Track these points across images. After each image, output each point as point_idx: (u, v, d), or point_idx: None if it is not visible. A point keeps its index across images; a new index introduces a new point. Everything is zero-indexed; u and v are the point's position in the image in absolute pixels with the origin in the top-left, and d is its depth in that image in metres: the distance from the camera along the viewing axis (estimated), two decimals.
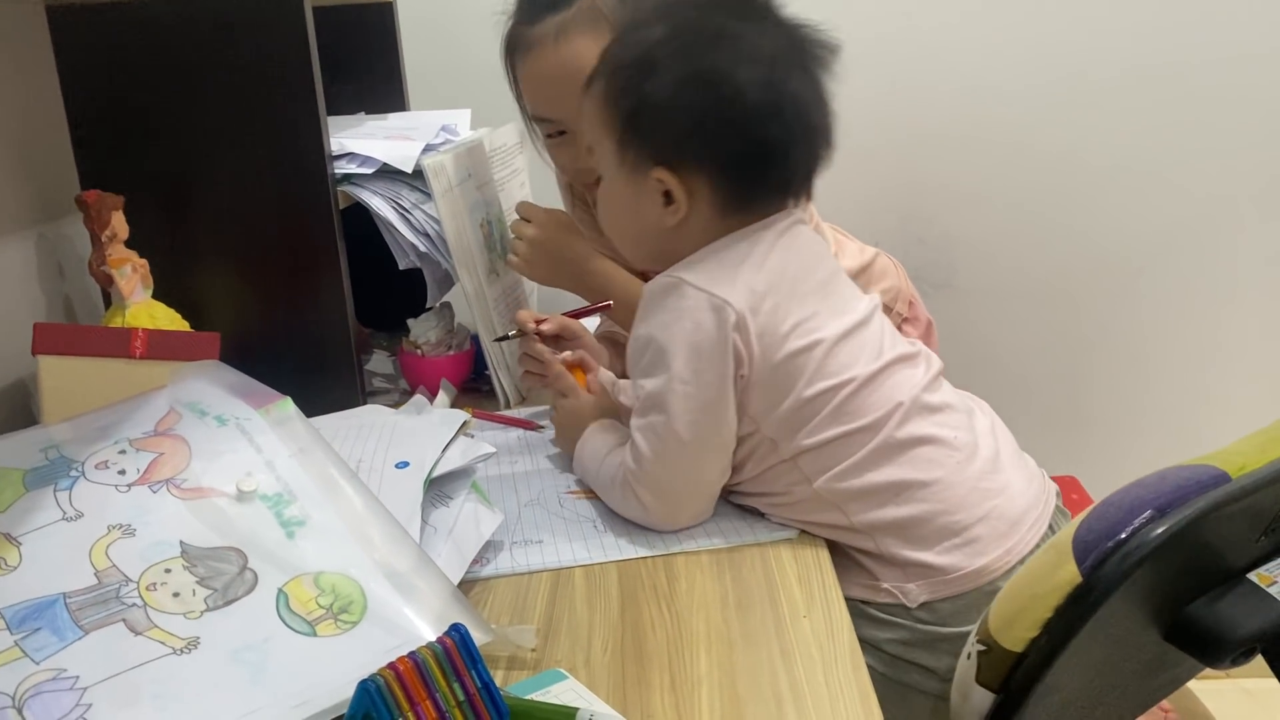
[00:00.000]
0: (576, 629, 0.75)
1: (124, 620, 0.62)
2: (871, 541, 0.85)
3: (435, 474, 0.84)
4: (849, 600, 0.85)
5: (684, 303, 0.85)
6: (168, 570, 0.66)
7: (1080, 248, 1.80)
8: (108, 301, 1.05)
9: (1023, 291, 1.82)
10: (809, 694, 0.66)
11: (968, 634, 0.77)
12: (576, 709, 0.60)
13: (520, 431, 1.12)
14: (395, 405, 1.06)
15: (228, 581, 0.66)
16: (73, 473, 0.71)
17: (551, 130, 1.15)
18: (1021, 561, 0.84)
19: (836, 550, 0.87)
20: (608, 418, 1.00)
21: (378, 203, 1.15)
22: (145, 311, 1.01)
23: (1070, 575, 0.69)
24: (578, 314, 1.13)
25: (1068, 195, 1.77)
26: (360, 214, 1.15)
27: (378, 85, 1.50)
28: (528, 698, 0.64)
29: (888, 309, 1.19)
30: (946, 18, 1.70)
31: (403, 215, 1.18)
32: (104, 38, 1.04)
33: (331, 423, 0.96)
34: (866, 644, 0.85)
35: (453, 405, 1.20)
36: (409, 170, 1.17)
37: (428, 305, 1.27)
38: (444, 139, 1.28)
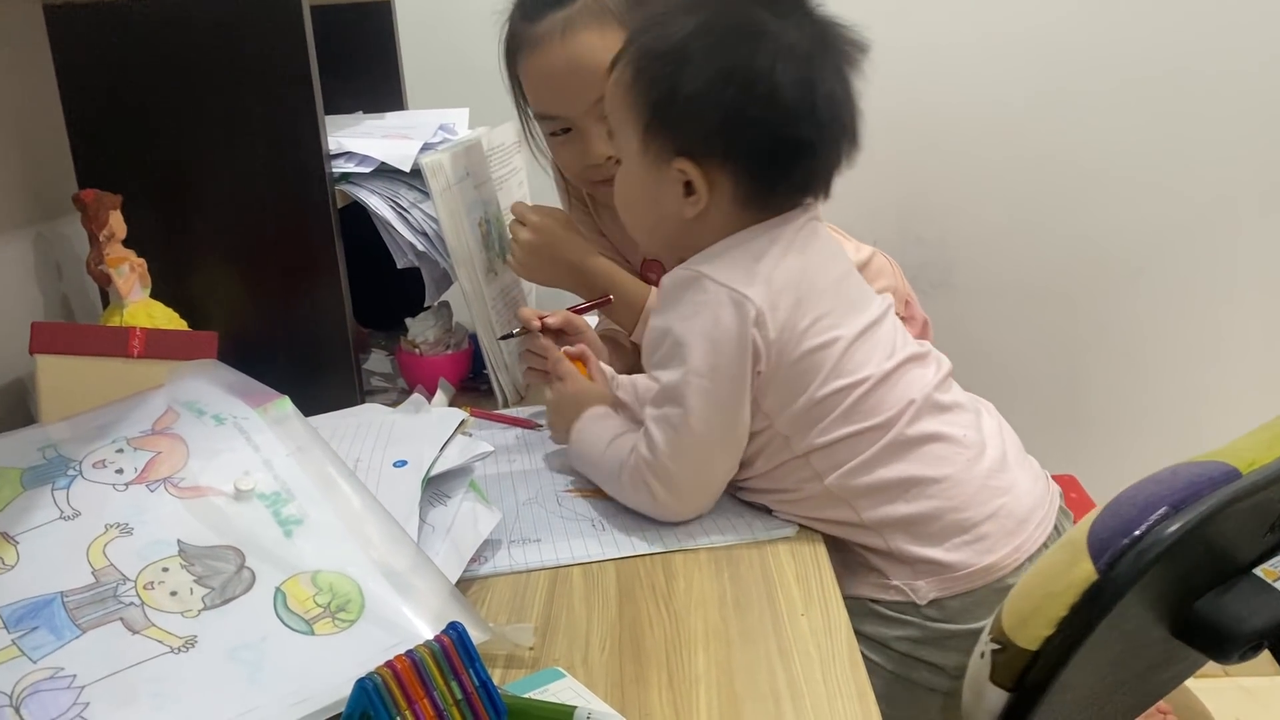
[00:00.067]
0: (574, 627, 0.75)
1: (121, 619, 0.62)
2: (881, 539, 0.85)
3: (433, 473, 0.84)
4: (858, 599, 0.85)
5: (704, 296, 0.84)
6: (165, 569, 0.66)
7: (1078, 247, 1.80)
8: (105, 301, 1.05)
9: (1020, 291, 1.82)
10: (807, 692, 0.66)
11: (976, 631, 0.77)
12: (574, 707, 0.60)
13: (518, 430, 1.12)
14: (393, 404, 1.06)
15: (225, 580, 0.66)
16: (70, 472, 0.71)
17: (556, 128, 1.15)
18: (1030, 560, 0.84)
19: (845, 549, 0.87)
20: (605, 405, 0.99)
21: (376, 202, 1.15)
22: (143, 310, 1.01)
23: (1086, 573, 0.69)
24: (578, 310, 1.13)
25: (1066, 195, 1.77)
26: (358, 213, 1.15)
27: (376, 84, 1.50)
28: (525, 696, 0.64)
29: None
30: (945, 17, 1.70)
31: (401, 214, 1.18)
32: (102, 36, 1.04)
33: (329, 421, 0.96)
34: (876, 642, 0.85)
35: (451, 404, 1.20)
36: (407, 169, 1.17)
37: (426, 304, 1.27)
38: (442, 138, 1.27)
